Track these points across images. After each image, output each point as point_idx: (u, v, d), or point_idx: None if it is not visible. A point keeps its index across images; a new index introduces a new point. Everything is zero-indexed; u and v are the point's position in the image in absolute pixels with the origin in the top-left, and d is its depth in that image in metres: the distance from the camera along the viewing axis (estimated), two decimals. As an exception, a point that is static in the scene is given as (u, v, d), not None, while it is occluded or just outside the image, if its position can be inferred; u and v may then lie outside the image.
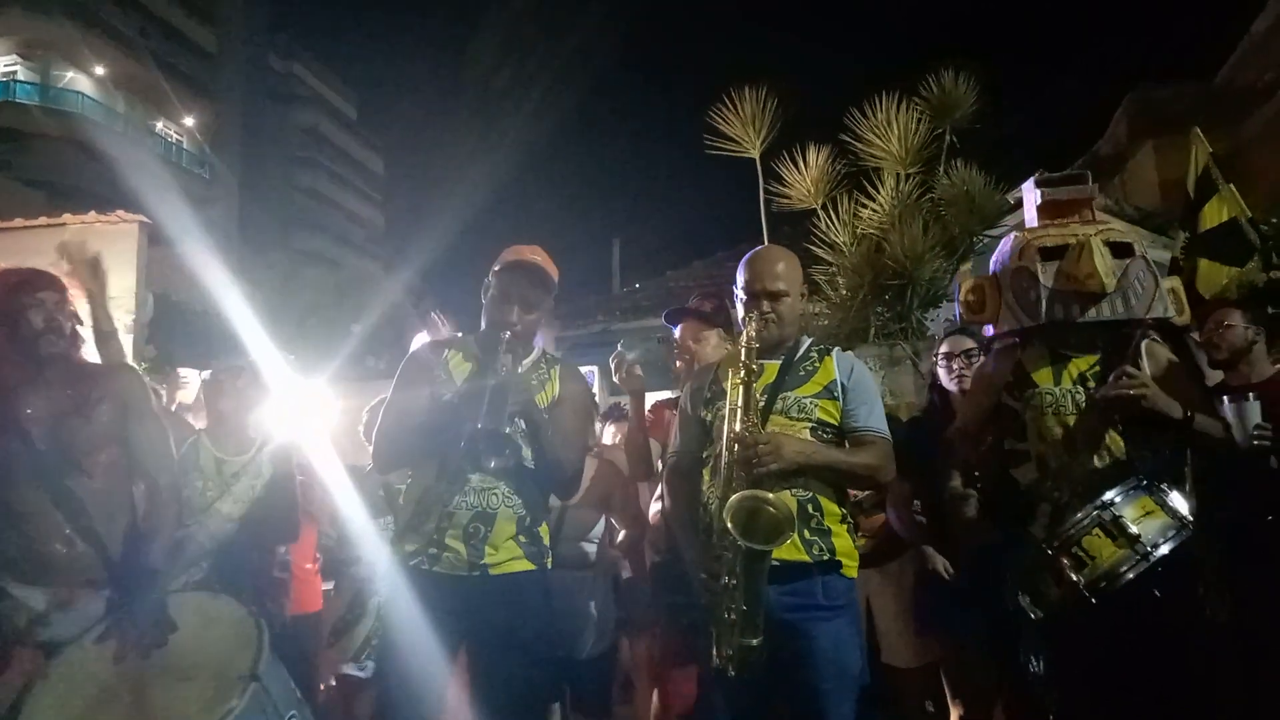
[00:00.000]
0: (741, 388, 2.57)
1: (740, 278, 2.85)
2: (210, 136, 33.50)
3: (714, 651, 2.42)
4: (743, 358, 2.60)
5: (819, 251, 7.35)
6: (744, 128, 7.34)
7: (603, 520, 3.87)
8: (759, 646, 2.38)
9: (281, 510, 3.67)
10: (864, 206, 7.25)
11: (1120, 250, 2.68)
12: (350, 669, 4.05)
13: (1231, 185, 5.14)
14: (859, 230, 7.19)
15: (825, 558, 2.58)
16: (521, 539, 2.75)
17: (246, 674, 2.50)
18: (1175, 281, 3.01)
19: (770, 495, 2.40)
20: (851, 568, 2.65)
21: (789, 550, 2.52)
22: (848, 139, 7.33)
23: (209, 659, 2.56)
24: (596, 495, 3.83)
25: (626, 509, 3.91)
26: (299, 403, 4.24)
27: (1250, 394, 2.69)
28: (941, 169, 7.42)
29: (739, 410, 2.54)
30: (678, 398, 3.17)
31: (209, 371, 3.72)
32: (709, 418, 2.78)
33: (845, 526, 2.67)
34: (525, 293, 2.88)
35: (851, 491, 2.81)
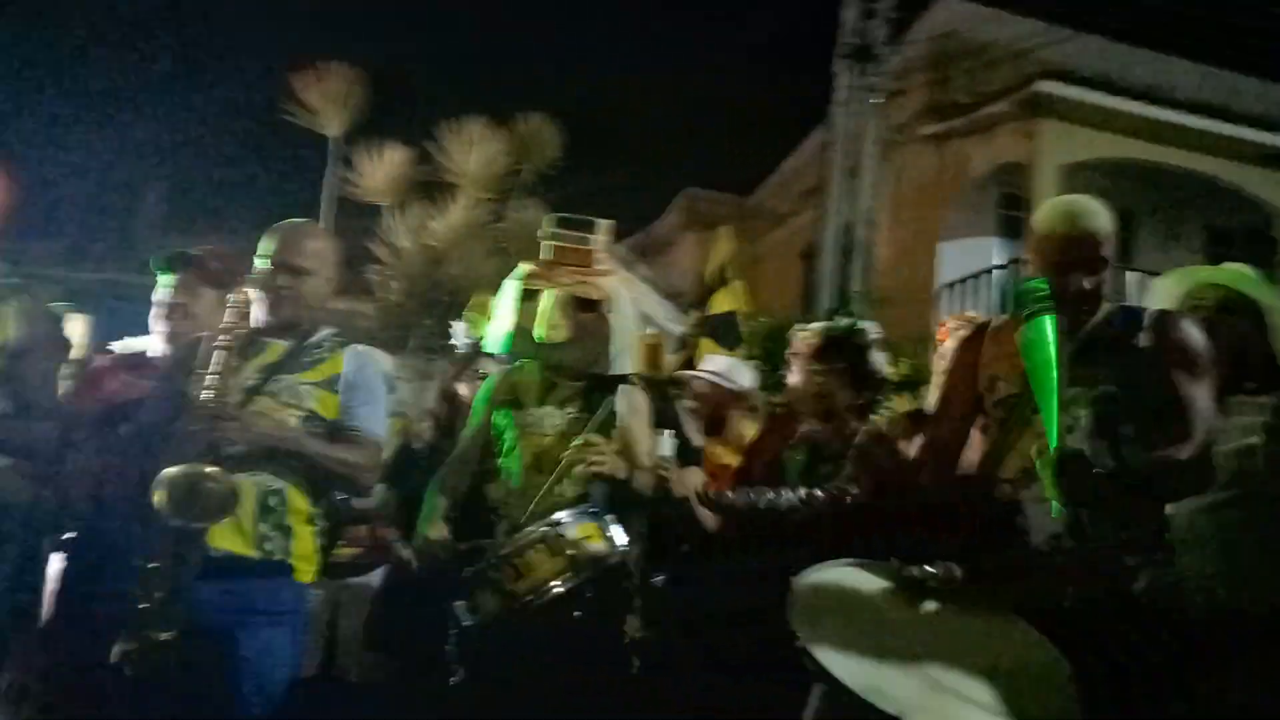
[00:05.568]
0: (220, 353, 2.40)
1: (264, 245, 2.63)
2: None
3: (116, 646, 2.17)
4: (227, 320, 2.44)
5: (379, 251, 7.17)
6: (325, 103, 6.96)
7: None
8: (172, 643, 2.17)
9: None
10: (433, 218, 7.23)
11: (585, 305, 2.94)
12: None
13: (741, 282, 5.98)
14: (423, 240, 7.15)
15: (277, 558, 2.42)
16: None
17: None
18: (656, 339, 3.37)
19: (211, 469, 2.23)
20: (306, 573, 2.51)
21: (235, 543, 2.35)
22: (432, 149, 7.31)
23: None
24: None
25: None
26: None
27: (668, 432, 3.04)
28: (516, 205, 7.68)
29: (212, 379, 2.36)
30: None
31: None
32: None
33: (312, 529, 2.51)
34: None
35: None
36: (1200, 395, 2.10)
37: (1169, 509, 2.14)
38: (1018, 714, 1.81)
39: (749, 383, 4.08)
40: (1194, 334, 2.18)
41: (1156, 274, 2.94)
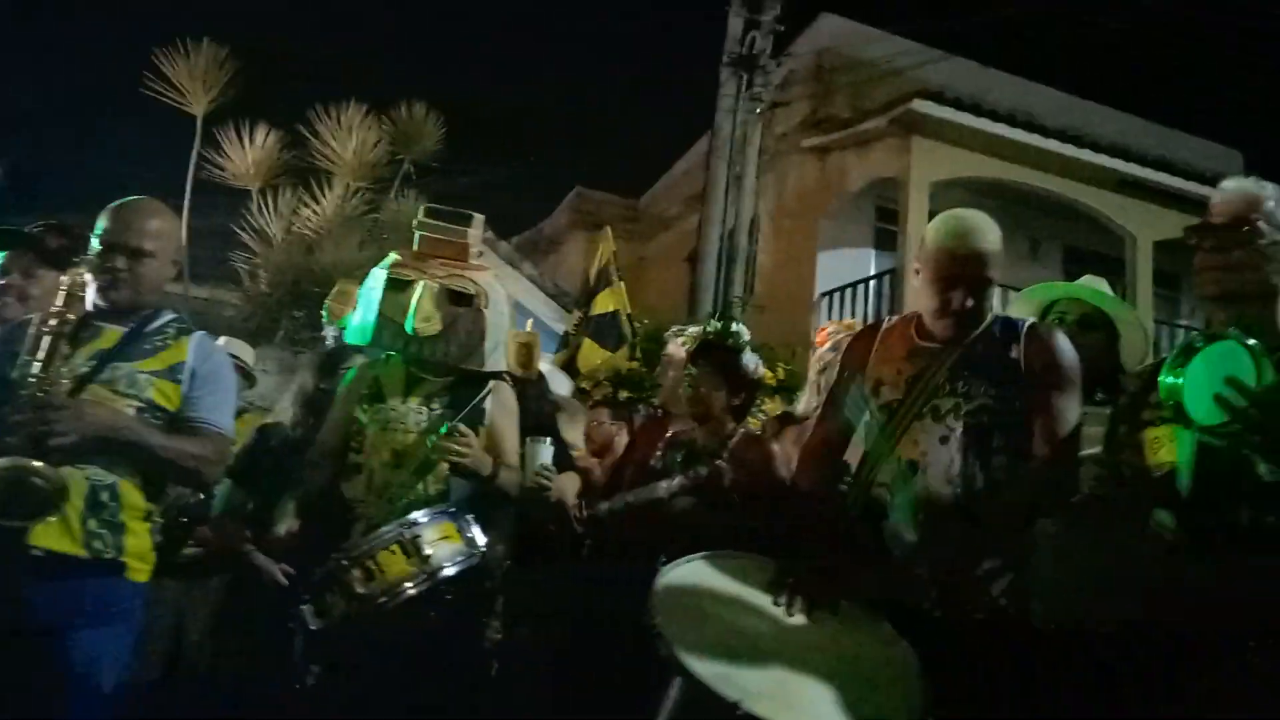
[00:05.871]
0: (49, 338, 2.22)
1: (100, 224, 2.45)
2: None
3: None
4: (59, 303, 2.27)
5: (246, 238, 6.81)
6: (191, 80, 6.56)
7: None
8: None
9: None
10: (305, 205, 6.92)
11: (459, 299, 2.85)
12: None
13: (623, 283, 5.95)
14: (294, 227, 6.83)
15: (108, 556, 2.26)
16: None
17: None
18: (529, 337, 3.36)
19: (36, 463, 2.07)
20: (141, 571, 2.36)
21: (62, 542, 2.19)
22: (305, 132, 7.00)
23: None
24: None
25: None
26: None
27: (548, 439, 3.03)
28: (393, 194, 7.42)
29: (40, 364, 2.19)
30: None
31: None
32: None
33: (147, 526, 2.37)
34: None
35: None
36: (1068, 405, 2.18)
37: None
38: (863, 707, 1.82)
39: (564, 392, 4.15)
40: (1063, 346, 2.25)
41: (1017, 289, 3.04)
